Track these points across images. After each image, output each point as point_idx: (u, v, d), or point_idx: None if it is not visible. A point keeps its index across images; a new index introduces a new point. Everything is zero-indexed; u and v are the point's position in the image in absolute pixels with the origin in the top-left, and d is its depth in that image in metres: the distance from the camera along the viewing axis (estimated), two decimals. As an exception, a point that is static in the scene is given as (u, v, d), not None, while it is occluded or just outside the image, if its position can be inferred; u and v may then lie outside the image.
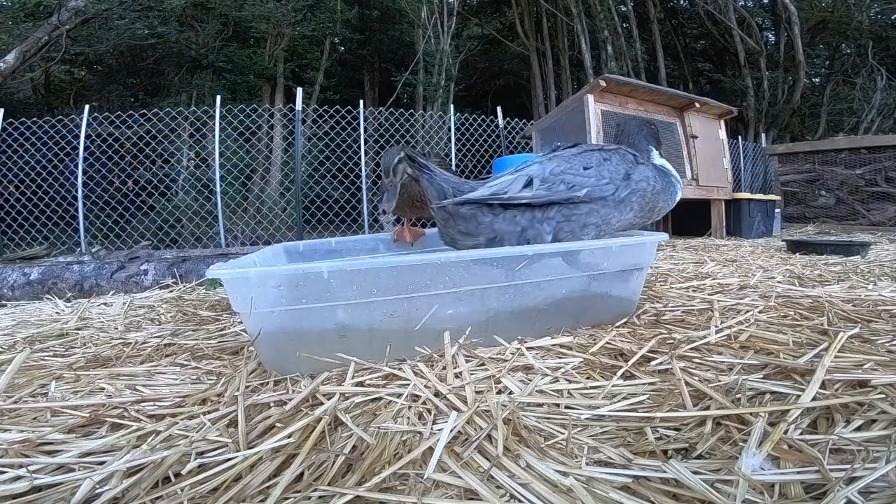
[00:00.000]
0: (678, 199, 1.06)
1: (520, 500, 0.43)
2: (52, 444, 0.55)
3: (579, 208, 0.91)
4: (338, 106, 5.02)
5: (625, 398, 0.61)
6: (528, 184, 0.88)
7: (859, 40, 8.01)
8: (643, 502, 0.41)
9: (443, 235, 0.99)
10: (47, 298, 1.66)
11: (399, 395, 0.64)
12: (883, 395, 0.55)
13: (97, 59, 7.79)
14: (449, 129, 5.34)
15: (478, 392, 0.64)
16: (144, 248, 3.46)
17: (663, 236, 1.01)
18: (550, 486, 0.44)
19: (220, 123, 4.77)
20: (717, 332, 0.83)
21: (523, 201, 0.86)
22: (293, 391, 0.68)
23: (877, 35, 8.01)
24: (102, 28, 6.77)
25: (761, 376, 0.64)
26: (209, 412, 0.61)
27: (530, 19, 9.03)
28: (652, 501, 0.42)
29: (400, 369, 0.72)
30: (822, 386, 0.58)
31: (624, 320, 0.96)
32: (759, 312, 0.97)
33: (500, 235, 0.88)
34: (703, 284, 1.31)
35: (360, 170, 4.95)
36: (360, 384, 0.69)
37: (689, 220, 3.78)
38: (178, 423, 0.59)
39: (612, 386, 0.65)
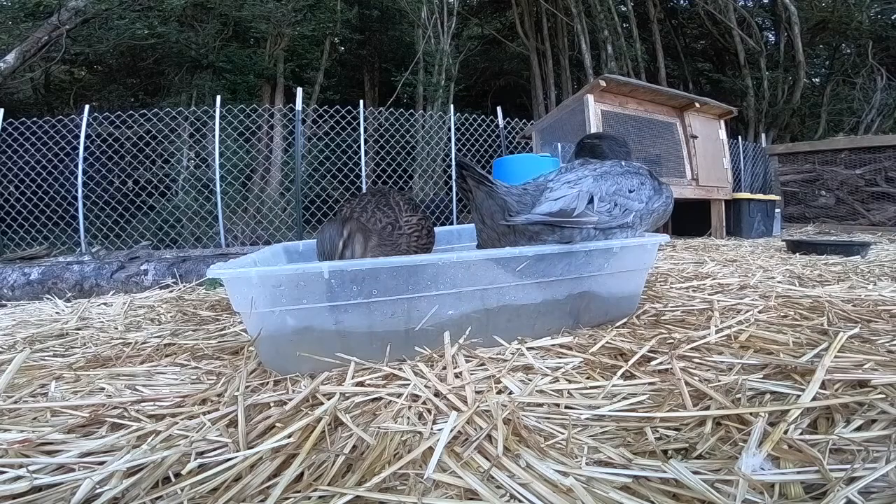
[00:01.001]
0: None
1: (520, 500, 0.43)
2: (52, 444, 0.55)
3: (623, 231, 0.94)
4: (338, 106, 5.02)
5: (625, 398, 0.61)
6: (590, 201, 0.87)
7: (859, 40, 8.00)
8: (643, 502, 0.41)
9: (485, 244, 0.94)
10: (47, 298, 1.66)
11: (399, 395, 0.64)
12: (883, 395, 0.55)
13: (97, 59, 7.79)
14: (449, 129, 5.34)
15: (478, 392, 0.64)
16: (144, 248, 3.46)
17: (664, 238, 1.01)
18: (550, 486, 0.44)
19: (220, 123, 4.77)
20: (717, 332, 0.83)
21: (590, 225, 0.86)
22: (293, 391, 0.68)
23: (877, 35, 8.01)
24: (102, 28, 6.78)
25: (761, 376, 0.64)
26: (209, 412, 0.61)
27: (530, 19, 9.03)
28: (652, 501, 0.42)
29: (400, 369, 0.72)
30: (822, 386, 0.58)
31: (624, 320, 0.96)
32: (759, 312, 0.97)
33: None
34: (703, 284, 1.31)
35: (360, 170, 4.95)
36: (360, 384, 0.69)
37: (689, 220, 3.78)
38: (178, 423, 0.59)
39: (612, 386, 0.65)
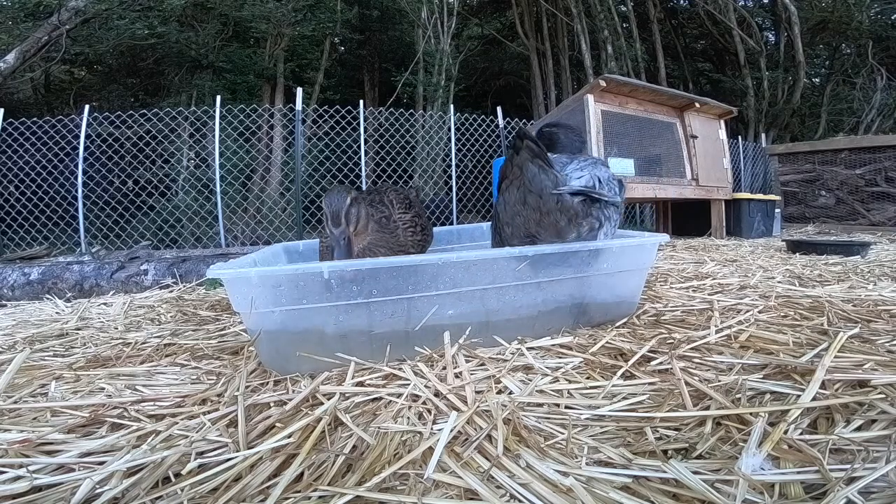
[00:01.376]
0: None
1: (520, 500, 0.43)
2: (52, 444, 0.55)
3: (618, 211, 1.00)
4: (338, 106, 5.02)
5: (625, 398, 0.61)
6: (599, 182, 0.93)
7: (859, 40, 7.99)
8: (643, 502, 0.41)
9: (516, 230, 0.97)
10: (47, 298, 1.66)
11: (399, 395, 0.64)
12: (883, 395, 0.55)
13: (97, 59, 7.78)
14: (449, 129, 5.34)
15: (478, 392, 0.64)
16: (144, 248, 3.46)
17: (663, 237, 1.01)
18: (550, 486, 0.44)
19: (220, 123, 4.77)
20: (717, 332, 0.83)
21: (605, 198, 0.91)
22: (293, 391, 0.68)
23: (877, 35, 8.00)
24: (102, 28, 6.77)
25: (761, 376, 0.64)
26: (209, 412, 0.61)
27: (530, 19, 9.02)
28: (652, 501, 0.42)
29: (400, 369, 0.72)
30: (822, 386, 0.58)
31: (624, 320, 0.96)
32: (759, 312, 0.97)
33: (602, 223, 0.94)
34: (703, 284, 1.31)
35: (360, 170, 4.95)
36: (360, 384, 0.69)
37: (689, 220, 3.78)
38: (178, 423, 0.59)
39: (612, 386, 0.65)
